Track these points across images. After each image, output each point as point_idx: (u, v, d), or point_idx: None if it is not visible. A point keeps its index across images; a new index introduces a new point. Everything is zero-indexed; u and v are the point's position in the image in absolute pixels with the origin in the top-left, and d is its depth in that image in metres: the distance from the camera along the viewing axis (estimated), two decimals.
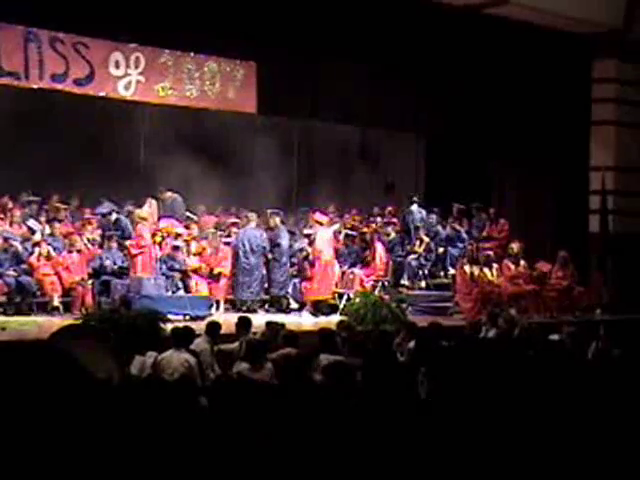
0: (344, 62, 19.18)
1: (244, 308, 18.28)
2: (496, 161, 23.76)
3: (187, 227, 19.60)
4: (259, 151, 20.29)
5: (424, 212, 21.96)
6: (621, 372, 8.93)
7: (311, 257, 18.97)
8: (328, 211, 21.38)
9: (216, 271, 18.63)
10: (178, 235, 18.64)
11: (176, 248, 18.25)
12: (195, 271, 18.45)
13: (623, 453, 5.01)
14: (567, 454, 4.80)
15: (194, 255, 18.75)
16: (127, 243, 17.83)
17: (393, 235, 21.14)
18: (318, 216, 19.77)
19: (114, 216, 18.82)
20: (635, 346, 12.27)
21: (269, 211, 19.85)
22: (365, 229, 21.00)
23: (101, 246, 18.29)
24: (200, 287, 18.25)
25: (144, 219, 17.94)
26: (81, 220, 19.23)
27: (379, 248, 20.11)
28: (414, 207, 21.86)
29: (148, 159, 20.72)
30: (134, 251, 17.39)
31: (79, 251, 17.74)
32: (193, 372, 10.69)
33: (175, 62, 18.51)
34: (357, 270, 19.63)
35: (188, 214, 20.02)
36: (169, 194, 19.83)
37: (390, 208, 22.36)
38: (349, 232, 20.54)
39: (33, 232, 18.05)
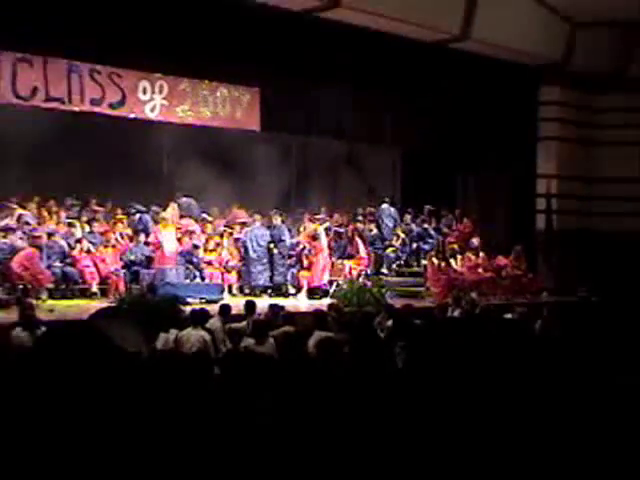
0: (334, 88, 19.20)
1: (251, 292, 18.36)
2: (460, 170, 23.81)
3: (203, 226, 19.65)
4: (262, 161, 20.29)
5: (392, 209, 22.02)
6: (562, 344, 8.94)
7: (313, 251, 18.97)
8: (320, 211, 21.44)
9: (230, 264, 18.71)
10: (192, 232, 18.66)
11: (195, 247, 18.29)
12: (210, 263, 18.47)
13: (562, 409, 5.03)
14: (518, 410, 4.81)
15: (210, 251, 18.77)
16: (148, 239, 17.99)
17: (375, 231, 21.20)
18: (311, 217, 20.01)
19: (137, 215, 18.90)
20: (573, 322, 12.31)
21: (273, 211, 19.93)
22: (348, 227, 20.96)
23: (131, 240, 18.33)
24: (214, 276, 18.28)
25: (164, 220, 18.00)
26: (113, 220, 19.23)
27: (359, 243, 20.10)
28: (384, 205, 21.96)
29: (170, 169, 20.81)
30: (150, 247, 17.58)
31: (113, 246, 17.77)
32: (208, 346, 10.70)
33: (193, 88, 18.53)
34: (346, 261, 19.64)
35: (204, 216, 20.05)
36: (184, 199, 19.86)
37: (370, 209, 22.35)
38: (338, 229, 20.56)
39: (74, 225, 18.14)
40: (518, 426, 4.59)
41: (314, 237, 19.01)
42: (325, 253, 18.91)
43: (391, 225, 21.70)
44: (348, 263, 19.54)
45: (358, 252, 19.90)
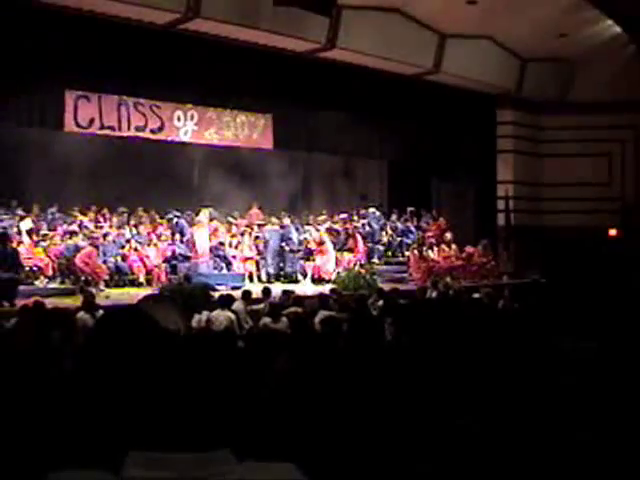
0: (332, 113, 19.24)
1: (267, 280, 18.34)
2: (436, 178, 23.81)
3: (229, 227, 19.61)
4: (274, 173, 20.27)
5: (378, 213, 22.01)
6: (519, 316, 8.94)
7: (321, 253, 18.84)
8: (322, 213, 21.44)
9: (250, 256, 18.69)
10: (216, 230, 18.64)
11: (221, 243, 18.29)
12: (234, 257, 18.42)
13: (520, 367, 5.02)
14: (484, 369, 4.80)
15: (234, 248, 18.72)
16: (183, 239, 18.02)
17: (367, 229, 21.21)
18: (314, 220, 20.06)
19: (175, 220, 18.89)
20: (528, 299, 12.32)
21: (282, 214, 19.95)
22: (347, 226, 20.88)
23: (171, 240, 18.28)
24: (237, 267, 18.24)
25: (199, 222, 17.96)
26: (155, 223, 19.19)
27: (359, 239, 20.04)
28: (371, 209, 21.95)
29: (200, 181, 20.75)
30: (187, 244, 17.63)
31: (155, 245, 17.71)
32: (233, 325, 10.71)
33: (217, 116, 18.53)
34: (346, 253, 19.55)
35: (229, 219, 20.04)
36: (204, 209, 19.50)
37: (361, 210, 22.34)
38: (337, 228, 20.52)
39: (124, 228, 18.16)
40: (484, 381, 4.59)
41: (321, 242, 18.91)
42: (330, 253, 18.79)
43: (377, 226, 21.69)
44: (347, 255, 19.48)
45: (357, 246, 19.83)
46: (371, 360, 5.05)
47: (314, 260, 18.75)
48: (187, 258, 17.51)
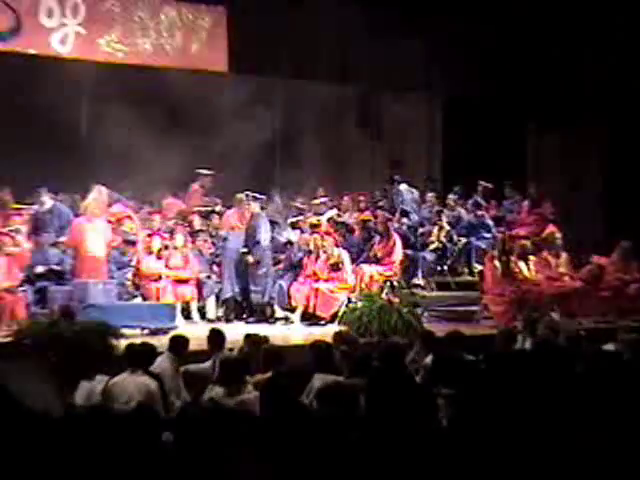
0: (336, 9, 19.23)
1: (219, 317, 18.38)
2: (532, 125, 23.83)
3: (150, 215, 19.63)
4: (230, 117, 20.23)
5: (416, 192, 22.04)
6: None
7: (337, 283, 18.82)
8: (318, 194, 21.43)
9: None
10: (120, 220, 18.65)
11: (129, 243, 18.32)
12: (159, 277, 18.36)
13: None
14: None
15: (157, 256, 18.60)
16: (60, 239, 17.98)
17: (405, 220, 21.24)
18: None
19: (48, 204, 18.78)
20: None
21: (246, 194, 19.79)
22: (372, 217, 20.76)
23: (36, 244, 18.24)
24: (163, 293, 18.20)
25: (86, 209, 17.80)
26: (7, 213, 19.06)
27: (397, 242, 19.87)
28: (402, 187, 21.97)
29: (91, 132, 20.70)
30: (68, 249, 17.53)
31: (8, 254, 17.63)
32: (154, 400, 10.69)
33: (123, 9, 18.53)
34: (366, 266, 19.38)
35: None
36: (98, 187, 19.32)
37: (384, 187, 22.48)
38: (346, 221, 20.52)
39: None
40: None
41: (336, 266, 18.85)
42: (347, 281, 18.77)
43: (417, 217, 21.70)
44: (370, 269, 19.38)
45: (392, 254, 19.70)
46: (410, 465, 5.10)
47: (316, 280, 18.68)
48: (65, 275, 17.53)
